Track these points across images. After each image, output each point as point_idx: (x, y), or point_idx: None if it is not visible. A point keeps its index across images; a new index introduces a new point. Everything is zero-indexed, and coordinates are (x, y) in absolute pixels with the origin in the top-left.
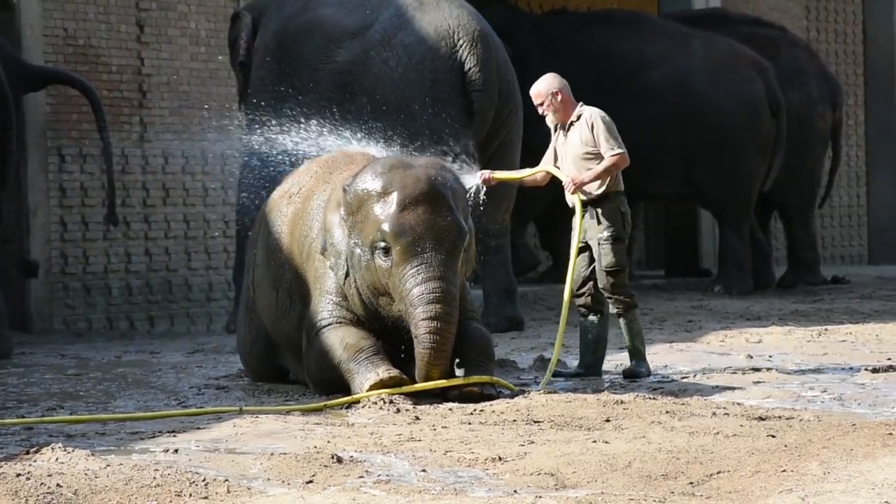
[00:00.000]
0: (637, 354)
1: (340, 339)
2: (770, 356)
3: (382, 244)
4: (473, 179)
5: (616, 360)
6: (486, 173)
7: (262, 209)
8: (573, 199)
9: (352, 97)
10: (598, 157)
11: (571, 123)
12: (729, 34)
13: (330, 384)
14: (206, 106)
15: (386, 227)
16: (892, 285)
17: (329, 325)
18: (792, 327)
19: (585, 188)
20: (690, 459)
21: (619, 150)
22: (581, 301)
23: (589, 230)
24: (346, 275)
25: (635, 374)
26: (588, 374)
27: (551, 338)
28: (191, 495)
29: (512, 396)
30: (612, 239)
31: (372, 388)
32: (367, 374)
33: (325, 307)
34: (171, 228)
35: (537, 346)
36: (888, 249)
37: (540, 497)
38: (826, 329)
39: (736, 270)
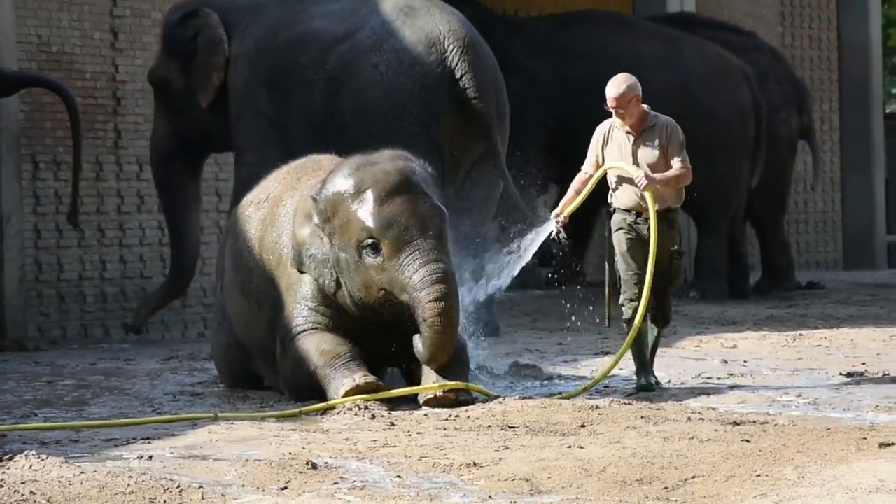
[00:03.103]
0: (651, 366)
1: (317, 345)
2: (745, 361)
3: (369, 241)
4: (550, 225)
5: (596, 365)
6: (560, 215)
7: (232, 216)
8: (645, 194)
9: (339, 102)
10: (670, 164)
11: (644, 130)
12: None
13: (305, 390)
14: None
15: (370, 223)
16: (866, 291)
17: (305, 331)
18: (767, 332)
19: (668, 199)
20: (665, 464)
21: (689, 165)
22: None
23: (662, 238)
24: (337, 283)
25: (652, 388)
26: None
27: (526, 343)
28: (165, 502)
29: (487, 402)
30: (681, 255)
31: (347, 393)
32: (343, 380)
33: (300, 313)
34: (146, 235)
35: (512, 351)
36: (863, 255)
37: (515, 503)
38: (801, 334)
39: (712, 276)
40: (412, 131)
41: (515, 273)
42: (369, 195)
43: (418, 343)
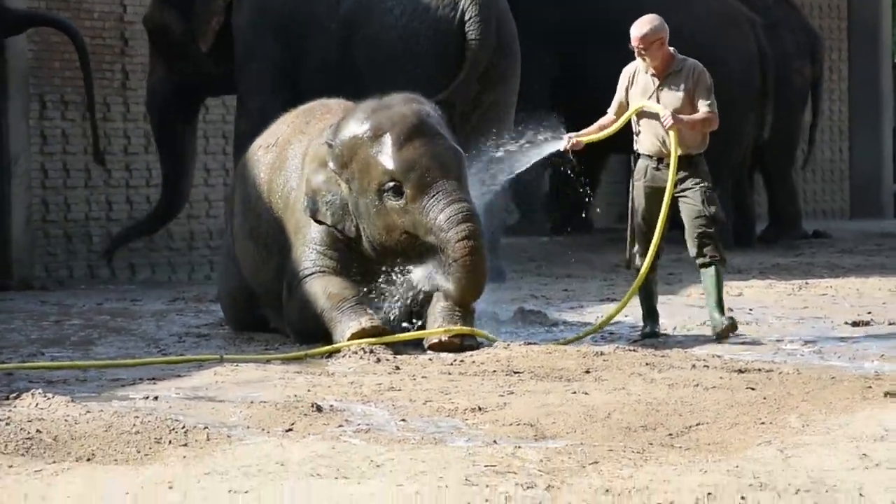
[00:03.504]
0: (722, 307)
1: (324, 288)
2: (750, 309)
3: (391, 184)
4: (559, 143)
5: (601, 311)
6: (574, 138)
7: (241, 160)
8: (669, 136)
9: (353, 45)
10: (695, 110)
11: (669, 73)
12: None
13: (311, 333)
14: None
15: (391, 166)
16: (873, 240)
17: (312, 274)
18: (773, 281)
19: (690, 145)
20: (670, 411)
21: (716, 111)
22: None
23: (681, 182)
24: (357, 228)
25: (734, 327)
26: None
27: (532, 289)
28: (170, 442)
29: (492, 347)
30: (712, 189)
31: (353, 336)
32: (349, 323)
33: (308, 256)
34: (153, 176)
35: (518, 297)
36: (870, 204)
37: (519, 447)
38: (806, 283)
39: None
40: (425, 76)
41: (514, 174)
42: (388, 138)
43: (447, 283)
